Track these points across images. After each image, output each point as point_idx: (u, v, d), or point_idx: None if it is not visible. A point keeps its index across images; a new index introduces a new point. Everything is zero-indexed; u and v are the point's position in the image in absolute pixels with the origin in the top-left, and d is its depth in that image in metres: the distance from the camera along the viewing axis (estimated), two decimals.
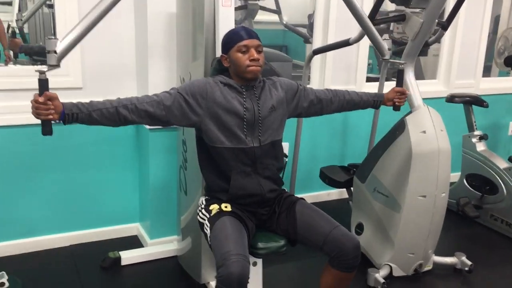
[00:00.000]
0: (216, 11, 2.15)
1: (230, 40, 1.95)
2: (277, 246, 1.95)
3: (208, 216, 1.93)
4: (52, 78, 2.57)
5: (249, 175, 1.97)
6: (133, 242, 2.97)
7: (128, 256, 2.71)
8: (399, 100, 2.34)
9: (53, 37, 1.70)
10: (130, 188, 2.98)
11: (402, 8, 2.73)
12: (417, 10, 2.61)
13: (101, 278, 2.60)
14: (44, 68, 1.66)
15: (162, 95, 1.87)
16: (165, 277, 2.64)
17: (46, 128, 1.67)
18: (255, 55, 1.91)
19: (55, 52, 1.69)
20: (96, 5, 1.80)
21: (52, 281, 2.54)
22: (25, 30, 3.05)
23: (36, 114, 1.63)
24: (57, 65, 1.72)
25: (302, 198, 2.07)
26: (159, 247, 2.82)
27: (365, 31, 2.42)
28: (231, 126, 1.91)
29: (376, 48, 2.47)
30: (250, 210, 1.99)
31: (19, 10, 3.03)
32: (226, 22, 2.15)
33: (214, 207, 1.94)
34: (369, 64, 4.66)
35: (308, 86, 2.25)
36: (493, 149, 3.74)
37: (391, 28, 4.60)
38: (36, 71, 1.64)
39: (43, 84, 1.64)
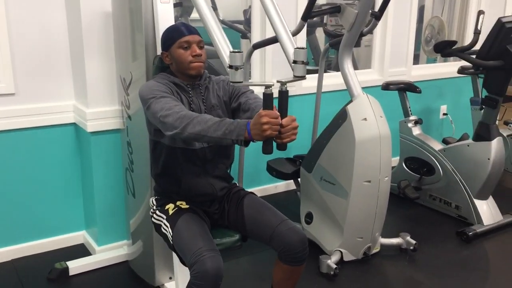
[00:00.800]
0: (154, 8, 2.12)
1: (171, 36, 1.91)
2: (232, 241, 1.95)
3: (165, 216, 1.90)
4: None
5: (199, 175, 1.95)
6: (80, 250, 2.87)
7: (76, 266, 2.62)
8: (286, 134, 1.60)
9: (238, 51, 1.54)
10: (72, 195, 2.87)
11: (335, 1, 2.81)
12: (351, 1, 2.69)
13: None
14: (270, 83, 1.55)
15: (176, 102, 1.77)
16: (117, 283, 2.57)
17: (271, 145, 1.59)
18: (197, 51, 1.89)
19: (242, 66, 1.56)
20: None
21: None
22: None
23: (276, 131, 1.54)
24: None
25: (251, 192, 2.08)
26: (108, 253, 2.74)
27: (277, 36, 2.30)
28: None
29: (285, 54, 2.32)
30: (204, 209, 1.98)
31: None
32: (165, 19, 2.12)
33: (170, 206, 1.91)
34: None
35: (254, 94, 1.99)
36: (427, 132, 3.93)
37: (324, 21, 4.71)
38: (266, 86, 1.55)
39: (271, 99, 1.56)
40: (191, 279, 1.68)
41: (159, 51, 2.13)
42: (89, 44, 2.52)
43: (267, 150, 1.59)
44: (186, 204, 1.93)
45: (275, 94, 1.56)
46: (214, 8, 4.38)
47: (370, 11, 2.68)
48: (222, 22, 4.45)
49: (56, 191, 2.82)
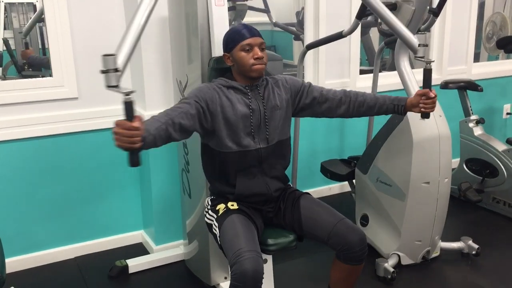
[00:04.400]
0: (209, 11, 2.15)
1: (233, 38, 1.91)
2: (287, 242, 1.94)
3: (215, 216, 1.93)
4: (45, 90, 2.62)
5: (255, 176, 1.96)
6: (138, 249, 2.95)
7: (135, 264, 2.70)
8: (425, 105, 2.02)
9: (109, 54, 1.48)
10: (131, 196, 2.97)
11: None
12: None
13: (110, 287, 2.58)
14: (128, 89, 1.46)
15: (184, 106, 1.81)
16: (174, 282, 2.62)
17: (136, 158, 1.48)
18: (259, 53, 1.88)
19: (115, 70, 1.47)
20: (137, 9, 1.70)
21: None
22: (12, 46, 3.02)
23: (131, 143, 1.46)
24: (117, 85, 1.49)
25: (306, 193, 2.07)
26: (166, 252, 2.81)
27: (390, 27, 2.28)
28: (238, 130, 1.90)
29: (405, 44, 2.33)
30: (256, 207, 1.98)
31: (4, 26, 3.01)
32: (220, 21, 2.14)
33: (221, 207, 1.93)
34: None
35: (319, 85, 2.13)
36: (489, 132, 3.75)
37: (379, 21, 4.62)
38: (123, 93, 1.45)
39: (130, 107, 1.44)
40: (231, 280, 1.69)
41: (214, 53, 2.16)
42: (147, 49, 2.60)
43: (129, 161, 1.47)
44: (238, 204, 1.93)
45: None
46: (267, 10, 4.41)
47: (428, 7, 2.60)
48: (275, 24, 4.48)
49: (116, 191, 2.92)
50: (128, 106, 1.43)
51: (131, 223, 3.01)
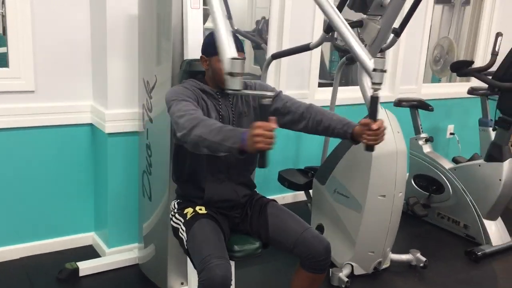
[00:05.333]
0: (184, 13, 2.13)
1: (214, 47, 1.79)
2: (253, 248, 1.95)
3: (183, 220, 1.90)
4: (0, 81, 2.49)
5: (223, 181, 1.95)
6: (89, 252, 2.85)
7: (86, 267, 2.60)
8: (368, 137, 1.85)
9: (237, 58, 1.55)
10: (84, 196, 2.86)
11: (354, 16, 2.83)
12: (373, 17, 2.71)
13: None
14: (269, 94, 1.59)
15: (194, 107, 1.77)
16: (128, 286, 2.56)
17: (268, 158, 1.56)
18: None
19: (240, 74, 1.55)
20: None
21: None
22: None
23: (271, 143, 1.51)
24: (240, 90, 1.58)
25: (273, 200, 2.09)
26: (119, 255, 2.73)
27: (346, 43, 2.13)
28: None
29: (361, 65, 2.15)
30: (224, 213, 1.98)
31: None
32: (195, 24, 2.13)
33: (189, 211, 1.91)
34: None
35: (285, 94, 2.09)
36: (434, 150, 3.95)
37: (335, 36, 4.75)
38: (264, 98, 1.56)
39: (268, 108, 1.56)
40: (198, 286, 1.68)
41: (186, 56, 2.14)
42: (113, 46, 2.53)
43: (261, 163, 1.55)
44: (206, 209, 1.92)
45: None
46: (229, 17, 4.42)
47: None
48: (237, 32, 4.47)
49: (68, 190, 2.81)
50: (266, 109, 1.54)
51: (82, 224, 2.91)
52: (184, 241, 1.84)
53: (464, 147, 4.44)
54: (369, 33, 2.61)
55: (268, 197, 3.58)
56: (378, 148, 2.51)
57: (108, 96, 2.58)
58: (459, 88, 4.65)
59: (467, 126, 4.61)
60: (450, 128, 4.67)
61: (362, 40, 2.94)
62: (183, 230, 1.87)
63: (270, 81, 3.53)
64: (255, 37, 4.67)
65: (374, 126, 1.81)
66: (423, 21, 4.17)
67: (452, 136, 4.64)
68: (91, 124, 2.76)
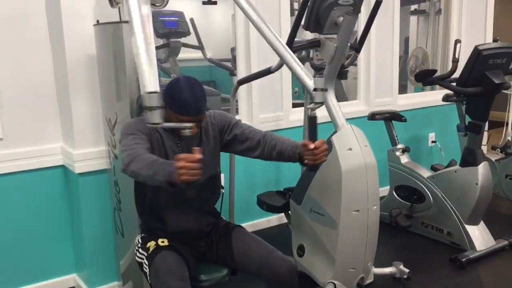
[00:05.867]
0: (136, 48, 2.16)
1: (176, 107, 1.81)
2: (220, 276, 1.95)
3: (146, 254, 1.90)
4: None
5: (186, 212, 1.96)
6: None
7: None
8: (307, 157, 1.88)
9: (152, 91, 1.57)
10: (62, 238, 2.86)
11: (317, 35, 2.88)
12: (330, 36, 2.75)
13: None
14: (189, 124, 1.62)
15: (135, 141, 1.78)
16: None
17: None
18: (196, 130, 1.81)
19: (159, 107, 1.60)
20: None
21: None
22: None
23: (196, 175, 1.52)
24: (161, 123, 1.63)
25: (239, 225, 2.09)
26: None
27: (290, 70, 2.32)
28: None
29: (301, 85, 2.36)
30: (188, 243, 1.97)
31: None
32: (148, 58, 2.14)
33: (151, 244, 1.91)
34: (295, 92, 4.84)
35: (244, 122, 2.11)
36: (416, 160, 3.95)
37: (311, 56, 4.82)
38: (183, 129, 1.62)
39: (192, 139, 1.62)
40: None
41: (143, 90, 2.16)
42: (75, 86, 2.57)
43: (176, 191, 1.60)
44: (169, 241, 1.92)
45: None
46: (201, 47, 4.49)
47: (349, 44, 2.75)
48: (210, 60, 4.54)
49: (46, 234, 2.80)
50: (191, 139, 1.57)
51: (63, 267, 2.89)
52: (147, 274, 1.84)
53: (447, 153, 4.45)
54: (327, 52, 2.65)
55: (251, 222, 3.65)
56: (346, 163, 2.55)
57: (75, 137, 2.60)
58: (436, 96, 4.68)
59: (448, 132, 4.63)
60: (432, 136, 4.69)
61: (324, 60, 2.98)
62: (146, 264, 1.87)
63: (243, 105, 3.57)
64: (230, 64, 4.73)
65: (311, 146, 1.84)
66: (391, 33, 4.23)
67: (434, 144, 4.66)
68: (63, 166, 2.78)
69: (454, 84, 3.00)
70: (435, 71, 3.13)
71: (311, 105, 1.89)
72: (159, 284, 1.74)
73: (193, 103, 1.81)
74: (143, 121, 1.89)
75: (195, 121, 1.82)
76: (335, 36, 2.67)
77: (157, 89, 1.63)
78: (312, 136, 1.86)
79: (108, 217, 2.68)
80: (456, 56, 3.24)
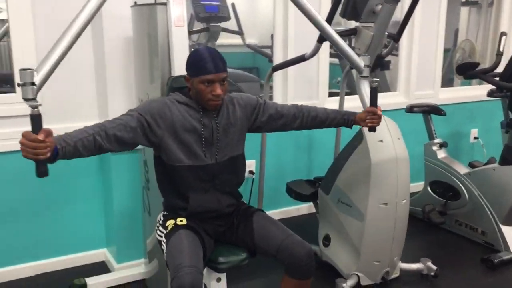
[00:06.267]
0: (169, 31, 2.19)
1: (196, 67, 1.87)
2: (238, 260, 1.96)
3: (164, 232, 1.94)
4: (6, 107, 2.62)
5: (208, 191, 1.98)
6: (101, 268, 2.93)
7: (94, 282, 2.67)
8: (371, 120, 2.18)
9: (28, 68, 1.51)
10: (95, 214, 2.95)
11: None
12: (367, 24, 2.69)
13: None
14: (37, 102, 1.47)
15: (125, 118, 1.84)
16: None
17: (43, 169, 1.52)
18: (218, 91, 1.86)
19: (32, 84, 1.48)
20: (67, 29, 1.70)
21: None
22: None
23: (34, 154, 1.48)
24: (34, 99, 1.49)
25: (260, 210, 2.10)
26: (127, 271, 2.79)
27: (337, 49, 2.33)
28: (189, 144, 1.92)
29: (351, 65, 2.40)
30: (208, 222, 2.00)
31: None
32: (180, 42, 2.19)
33: (170, 223, 1.95)
34: (337, 82, 4.77)
35: (272, 101, 2.24)
36: (456, 157, 3.84)
37: (352, 45, 4.73)
38: (29, 106, 1.47)
39: (37, 120, 1.47)
40: None
41: (173, 73, 2.20)
42: (111, 67, 2.63)
43: (36, 171, 1.51)
44: (187, 221, 1.95)
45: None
46: (240, 32, 4.49)
47: (387, 33, 2.68)
48: (248, 46, 4.54)
49: (80, 209, 2.90)
50: (35, 119, 1.47)
51: (94, 241, 3.00)
52: (164, 252, 1.88)
53: (490, 151, 4.29)
54: (363, 40, 2.61)
55: (281, 209, 3.65)
56: (377, 155, 2.50)
57: (109, 116, 2.65)
58: (481, 90, 4.50)
59: (492, 129, 4.46)
60: (474, 132, 4.52)
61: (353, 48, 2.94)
62: (163, 242, 1.90)
63: (278, 92, 3.56)
64: (271, 51, 4.71)
65: (379, 112, 2.17)
66: (436, 23, 4.09)
67: (476, 140, 4.49)
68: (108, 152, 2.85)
69: (497, 78, 2.88)
70: (477, 64, 3.01)
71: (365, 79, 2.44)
72: (171, 261, 1.78)
73: (209, 59, 1.85)
74: (162, 101, 1.92)
75: (218, 81, 1.86)
76: (372, 24, 2.62)
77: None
78: (374, 104, 2.19)
79: (138, 196, 2.74)
80: (501, 49, 3.10)
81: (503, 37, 3.11)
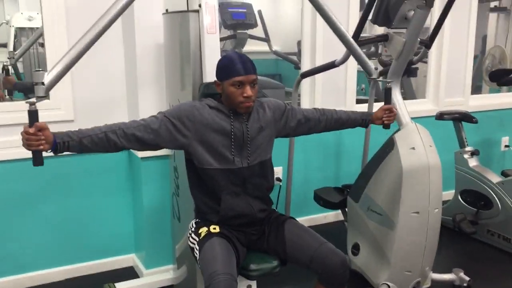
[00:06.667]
0: (201, 38, 2.20)
1: (226, 70, 1.90)
2: (270, 267, 1.94)
3: (197, 239, 1.94)
4: (43, 112, 2.63)
5: (239, 195, 1.98)
6: (129, 273, 2.95)
7: (123, 287, 2.69)
8: (388, 118, 2.36)
9: (40, 70, 1.73)
10: (124, 219, 2.98)
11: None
12: (399, 30, 2.66)
13: None
14: (33, 99, 1.67)
15: (149, 119, 1.89)
16: None
17: (37, 159, 1.68)
18: (249, 92, 1.88)
19: (42, 83, 1.70)
20: (81, 38, 1.82)
21: None
22: (20, 69, 3.11)
23: (27, 145, 1.64)
24: (45, 96, 1.73)
25: (291, 217, 2.08)
26: (155, 276, 2.80)
27: (351, 51, 2.45)
28: (219, 147, 1.92)
29: (362, 68, 2.50)
30: (240, 230, 2.00)
31: (14, 49, 3.09)
32: (212, 48, 2.20)
33: (203, 230, 1.95)
34: (362, 89, 4.74)
35: (301, 108, 2.27)
36: (487, 165, 3.75)
37: (379, 51, 4.69)
38: (26, 102, 1.65)
39: (33, 115, 1.66)
40: None
41: (205, 79, 2.21)
42: (142, 74, 2.65)
43: (32, 160, 1.67)
44: (220, 228, 1.95)
45: None
46: (267, 39, 4.50)
47: (420, 39, 2.65)
48: (275, 53, 4.55)
49: (110, 215, 2.93)
50: (31, 114, 1.65)
51: (124, 246, 3.02)
52: (197, 259, 1.88)
53: None
54: (395, 46, 2.57)
55: (308, 216, 3.62)
56: (408, 162, 2.46)
57: None
58: (511, 98, 4.43)
59: None
60: (505, 140, 4.43)
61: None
62: (197, 249, 1.90)
63: (305, 99, 3.54)
64: (297, 58, 4.71)
65: (395, 110, 2.39)
66: (466, 30, 4.03)
67: (507, 148, 4.40)
68: (128, 150, 2.88)
69: None
70: (511, 70, 2.94)
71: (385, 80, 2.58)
72: (205, 268, 1.77)
73: (239, 61, 1.89)
74: (191, 105, 1.94)
75: (248, 83, 1.88)
76: (404, 31, 2.59)
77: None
78: (388, 103, 2.42)
79: (167, 202, 2.75)
80: None
81: None
